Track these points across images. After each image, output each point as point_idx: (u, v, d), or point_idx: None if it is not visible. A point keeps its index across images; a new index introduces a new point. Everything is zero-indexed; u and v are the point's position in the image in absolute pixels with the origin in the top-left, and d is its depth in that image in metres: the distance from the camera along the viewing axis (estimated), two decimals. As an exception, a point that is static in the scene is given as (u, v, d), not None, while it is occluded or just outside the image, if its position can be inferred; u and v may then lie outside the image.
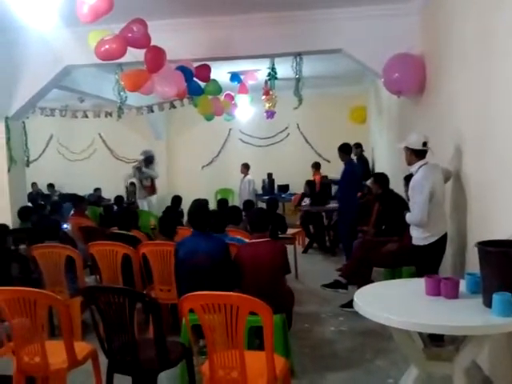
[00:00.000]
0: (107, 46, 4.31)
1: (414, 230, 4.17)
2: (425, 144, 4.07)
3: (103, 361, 3.26)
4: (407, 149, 4.15)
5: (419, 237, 4.10)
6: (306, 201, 8.97)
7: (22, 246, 4.84)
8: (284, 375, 2.98)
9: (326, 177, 9.59)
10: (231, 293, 2.83)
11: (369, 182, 6.09)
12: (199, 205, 3.87)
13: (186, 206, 8.38)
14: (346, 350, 4.42)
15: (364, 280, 4.49)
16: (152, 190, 10.16)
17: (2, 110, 6.43)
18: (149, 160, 10.18)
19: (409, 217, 4.09)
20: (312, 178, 9.78)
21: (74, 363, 3.17)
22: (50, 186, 12.31)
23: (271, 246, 3.87)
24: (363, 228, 6.47)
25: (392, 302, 2.86)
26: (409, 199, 4.19)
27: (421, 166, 4.04)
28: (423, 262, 4.09)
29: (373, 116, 10.66)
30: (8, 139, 6.50)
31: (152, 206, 10.21)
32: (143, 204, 10.09)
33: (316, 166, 10.15)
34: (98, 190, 11.81)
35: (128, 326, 2.93)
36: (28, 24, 4.27)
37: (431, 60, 5.18)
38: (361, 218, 6.71)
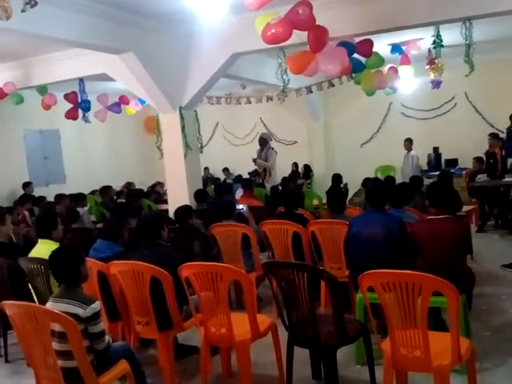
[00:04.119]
0: (273, 30, 4.36)
1: None
2: None
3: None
4: None
5: None
6: (481, 177, 8.25)
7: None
8: (469, 357, 2.87)
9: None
10: (414, 271, 2.75)
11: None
12: (379, 183, 3.84)
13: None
14: (531, 334, 4.06)
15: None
16: (264, 176, 10.10)
17: (177, 100, 6.91)
18: (259, 143, 10.06)
19: None
20: (490, 150, 9.00)
21: (257, 335, 3.33)
22: (225, 169, 13.16)
23: (453, 223, 3.63)
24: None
25: None
26: None
27: None
28: None
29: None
30: (183, 127, 6.99)
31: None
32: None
33: (495, 137, 9.34)
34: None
35: (307, 300, 3.02)
36: (200, 14, 4.48)
37: None
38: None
